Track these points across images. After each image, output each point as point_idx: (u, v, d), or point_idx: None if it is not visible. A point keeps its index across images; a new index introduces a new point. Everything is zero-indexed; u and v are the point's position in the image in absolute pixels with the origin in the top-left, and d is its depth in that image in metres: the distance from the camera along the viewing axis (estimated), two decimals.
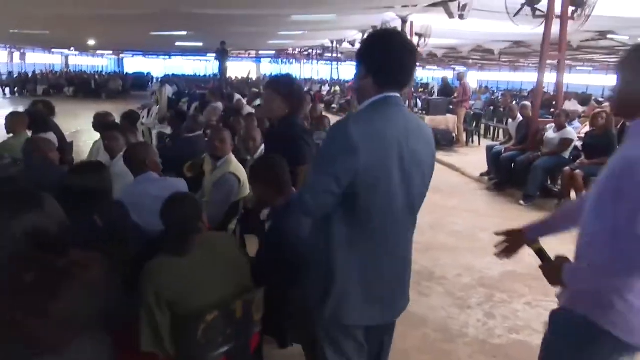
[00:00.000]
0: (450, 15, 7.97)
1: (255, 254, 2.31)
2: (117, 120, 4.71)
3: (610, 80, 22.38)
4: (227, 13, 8.77)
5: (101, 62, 34.44)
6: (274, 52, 21.87)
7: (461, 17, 7.91)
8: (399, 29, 10.25)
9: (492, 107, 11.77)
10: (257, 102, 9.50)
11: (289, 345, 2.22)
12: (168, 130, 7.44)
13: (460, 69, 25.93)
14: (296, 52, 20.26)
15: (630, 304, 1.35)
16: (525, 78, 24.37)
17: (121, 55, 31.85)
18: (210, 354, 1.76)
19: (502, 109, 11.74)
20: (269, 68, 30.82)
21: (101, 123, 4.36)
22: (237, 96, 10.33)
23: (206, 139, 3.39)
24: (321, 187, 1.52)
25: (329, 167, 1.52)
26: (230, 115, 7.94)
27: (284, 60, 25.66)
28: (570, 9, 5.72)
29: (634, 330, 1.39)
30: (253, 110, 8.24)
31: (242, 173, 3.15)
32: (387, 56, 1.57)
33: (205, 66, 29.60)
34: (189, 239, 1.90)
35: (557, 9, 5.72)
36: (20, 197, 1.42)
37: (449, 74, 28.02)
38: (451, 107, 9.71)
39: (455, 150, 8.91)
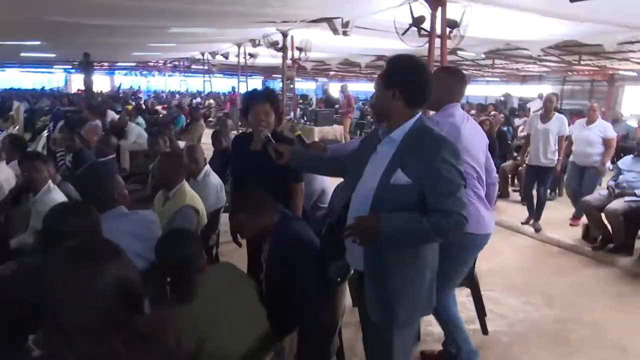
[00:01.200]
0: (335, 31, 8.37)
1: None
2: None
3: None
4: (102, 23, 8.00)
5: None
6: (134, 64, 20.40)
7: (345, 33, 8.39)
8: (280, 43, 10.45)
9: (368, 116, 12.63)
10: (139, 119, 8.83)
11: None
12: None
13: (323, 79, 27.19)
14: (160, 64, 19.20)
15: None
16: None
17: None
18: None
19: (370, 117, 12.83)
20: (126, 80, 28.59)
21: None
22: (112, 113, 9.50)
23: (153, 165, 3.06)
24: (465, 200, 1.66)
25: (461, 180, 1.67)
26: (112, 132, 7.29)
27: (145, 72, 24.10)
28: (448, 29, 6.47)
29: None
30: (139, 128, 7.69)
31: (199, 203, 2.93)
32: (420, 79, 1.75)
33: (49, 79, 26.17)
34: (194, 281, 1.76)
35: (438, 30, 6.41)
36: (98, 245, 1.20)
37: (311, 85, 29.25)
38: (336, 117, 10.19)
39: None
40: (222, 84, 24.18)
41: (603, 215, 4.55)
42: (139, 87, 25.37)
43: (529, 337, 3.11)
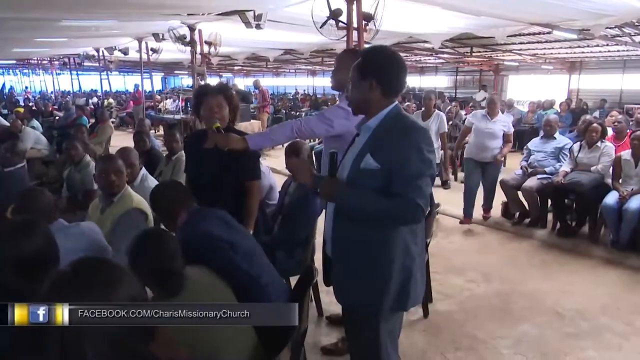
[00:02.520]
0: (248, 24, 8.17)
1: None
2: None
3: None
4: None
5: None
6: (12, 61, 18.21)
7: (258, 27, 8.22)
8: (187, 37, 9.98)
9: (283, 110, 12.57)
10: (34, 122, 7.94)
11: None
12: None
13: (227, 75, 26.57)
14: (45, 61, 17.37)
15: None
16: (287, 82, 26.63)
17: None
18: None
19: (284, 111, 12.81)
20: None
21: None
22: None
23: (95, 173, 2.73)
24: (428, 190, 1.64)
25: (428, 169, 1.66)
26: (4, 138, 6.51)
27: (26, 71, 21.62)
28: (364, 22, 6.62)
29: None
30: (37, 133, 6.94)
31: (147, 207, 2.69)
32: (396, 69, 1.77)
33: None
34: (182, 278, 1.72)
35: (355, 23, 6.53)
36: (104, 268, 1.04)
37: (215, 81, 28.46)
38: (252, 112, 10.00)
39: (267, 154, 9.22)
40: (119, 82, 22.54)
41: (519, 193, 4.97)
42: (27, 87, 22.67)
43: (478, 313, 3.29)
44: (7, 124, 7.70)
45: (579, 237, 4.64)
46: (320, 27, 6.64)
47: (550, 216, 4.93)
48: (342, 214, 1.77)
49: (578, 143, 4.89)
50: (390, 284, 1.72)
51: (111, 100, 15.97)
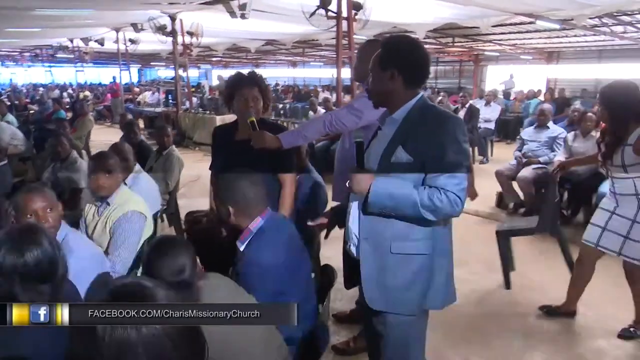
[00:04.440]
0: (232, 14, 7.97)
1: None
2: None
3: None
4: None
5: None
6: None
7: (243, 16, 8.02)
8: (168, 27, 9.70)
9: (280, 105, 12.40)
10: (9, 116, 7.58)
11: None
12: None
13: (206, 66, 26.09)
14: (15, 53, 16.68)
15: None
16: (267, 74, 26.27)
17: None
18: None
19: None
20: None
21: None
22: None
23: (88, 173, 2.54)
24: (465, 182, 1.57)
25: (465, 160, 1.61)
26: None
27: None
28: (354, 12, 6.52)
29: None
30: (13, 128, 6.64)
31: (145, 208, 2.55)
32: (418, 58, 1.69)
33: None
34: (197, 291, 1.58)
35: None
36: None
37: (194, 73, 27.92)
38: None
39: None
40: (93, 75, 21.86)
41: (514, 183, 4.97)
42: (11, 79, 21.56)
43: (485, 306, 3.27)
44: None
45: (574, 226, 4.67)
46: (310, 17, 6.53)
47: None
48: (373, 208, 1.64)
49: (572, 132, 4.90)
50: (426, 284, 1.66)
51: (87, 92, 15.46)
